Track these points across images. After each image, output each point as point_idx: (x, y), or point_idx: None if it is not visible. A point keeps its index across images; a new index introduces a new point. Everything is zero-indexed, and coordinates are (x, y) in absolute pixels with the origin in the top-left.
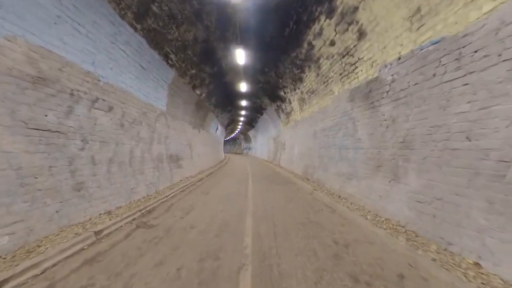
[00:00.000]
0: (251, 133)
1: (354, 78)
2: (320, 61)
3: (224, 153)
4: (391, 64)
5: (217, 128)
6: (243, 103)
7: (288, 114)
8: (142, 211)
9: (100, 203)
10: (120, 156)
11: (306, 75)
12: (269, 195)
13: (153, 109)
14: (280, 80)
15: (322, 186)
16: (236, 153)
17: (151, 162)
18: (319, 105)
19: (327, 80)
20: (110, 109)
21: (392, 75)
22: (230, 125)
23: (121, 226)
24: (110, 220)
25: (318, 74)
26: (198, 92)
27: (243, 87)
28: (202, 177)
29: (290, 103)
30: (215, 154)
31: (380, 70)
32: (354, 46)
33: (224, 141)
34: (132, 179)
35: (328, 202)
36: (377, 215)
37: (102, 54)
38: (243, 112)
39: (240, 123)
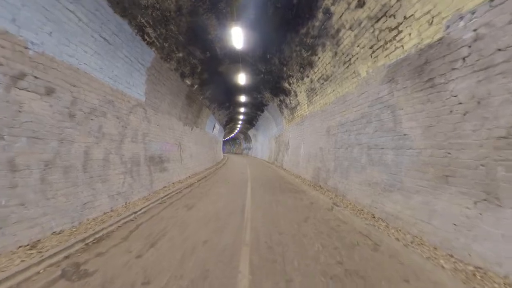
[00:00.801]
0: (251, 132)
1: (396, 49)
2: (340, 34)
3: (224, 153)
4: (473, 13)
5: (214, 127)
6: (242, 98)
7: (292, 110)
8: (89, 240)
9: (21, 230)
10: (66, 158)
11: (319, 58)
12: (274, 212)
13: (125, 97)
14: (285, 68)
15: (342, 198)
16: (236, 153)
17: (120, 165)
18: (335, 94)
19: (349, 60)
20: (50, 92)
21: (475, 29)
22: (229, 124)
23: (38, 272)
24: (23, 260)
25: (335, 53)
26: (188, 82)
27: (241, 78)
28: (193, 182)
29: (296, 96)
30: (212, 155)
31: (448, 27)
32: (398, 0)
33: (224, 141)
34: (87, 190)
35: (362, 228)
36: (452, 256)
37: (32, 9)
38: (242, 110)
39: (240, 122)
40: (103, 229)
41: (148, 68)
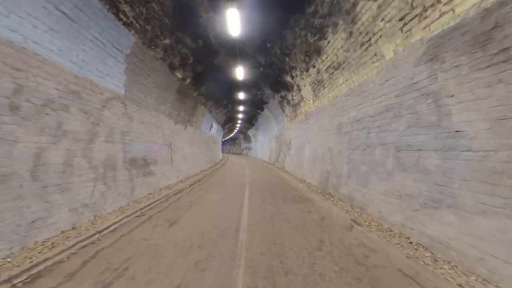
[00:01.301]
0: (250, 132)
1: (441, 15)
2: (357, 8)
3: (224, 153)
4: None
5: (211, 126)
6: (241, 95)
7: (295, 106)
8: (18, 279)
9: None
10: (4, 163)
11: (328, 42)
12: (277, 233)
13: (96, 88)
14: (287, 59)
15: (360, 211)
16: (235, 154)
17: (89, 170)
18: (349, 85)
19: (369, 40)
20: None
21: None
22: (227, 123)
23: None
24: None
25: (350, 34)
26: (179, 75)
27: (239, 73)
28: (184, 187)
29: (299, 90)
30: (210, 156)
31: None
32: None
33: (223, 141)
34: (37, 203)
35: (401, 262)
36: None
37: None
38: (241, 108)
39: (239, 121)
40: (47, 258)
41: (127, 55)
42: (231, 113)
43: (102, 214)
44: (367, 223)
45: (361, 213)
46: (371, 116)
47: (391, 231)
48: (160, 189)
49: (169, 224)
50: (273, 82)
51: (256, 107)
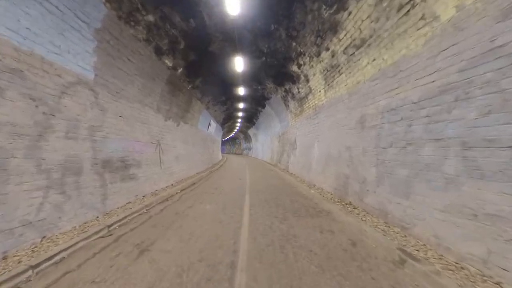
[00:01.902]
0: (251, 131)
1: None
2: None
3: (224, 153)
4: None
5: (209, 124)
6: (241, 91)
7: (301, 101)
8: None
9: None
10: None
11: (350, 13)
12: (292, 270)
13: (51, 68)
14: (294, 44)
15: (401, 231)
16: (235, 154)
17: (37, 176)
18: (377, 65)
19: None
20: None
21: None
22: (227, 122)
23: None
24: None
25: None
26: (168, 62)
27: (238, 63)
28: (173, 192)
29: (307, 81)
30: (208, 156)
31: None
32: None
33: (223, 141)
34: None
35: None
36: None
37: None
38: (241, 105)
39: (239, 120)
40: None
41: (97, 30)
42: (231, 110)
43: (55, 234)
44: (422, 253)
45: (405, 236)
46: (414, 103)
47: (463, 269)
48: (144, 196)
49: (138, 252)
50: (277, 74)
51: (256, 103)
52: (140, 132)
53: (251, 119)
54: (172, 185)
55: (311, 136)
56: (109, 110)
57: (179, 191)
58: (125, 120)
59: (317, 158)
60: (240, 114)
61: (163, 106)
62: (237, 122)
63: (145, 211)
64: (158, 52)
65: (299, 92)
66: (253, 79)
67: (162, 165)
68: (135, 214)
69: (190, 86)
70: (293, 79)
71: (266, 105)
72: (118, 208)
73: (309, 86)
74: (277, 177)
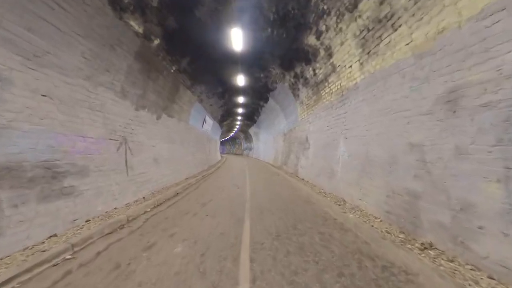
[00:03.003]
0: (252, 130)
1: None
2: None
3: (224, 153)
4: None
5: (204, 121)
6: (240, 80)
7: (317, 86)
8: None
9: None
10: None
11: None
12: None
13: None
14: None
15: None
16: (236, 154)
17: None
18: None
19: None
20: None
21: None
22: (225, 119)
23: None
24: None
25: None
26: (136, 26)
27: (236, 39)
28: (138, 213)
29: (329, 56)
30: (203, 157)
31: None
32: None
33: (223, 141)
34: None
35: None
36: None
37: None
38: (241, 99)
39: (239, 118)
40: None
41: None
42: (229, 106)
43: None
44: None
45: None
46: None
47: None
48: (89, 221)
49: None
50: (285, 54)
51: (258, 97)
52: (89, 123)
53: (251, 116)
54: (144, 198)
55: (332, 132)
56: (15, 82)
57: (149, 209)
58: (57, 103)
59: (345, 162)
60: (239, 110)
61: (133, 90)
62: (236, 120)
63: (69, 257)
64: (116, 5)
65: (315, 74)
66: (254, 63)
67: (130, 171)
68: (45, 266)
69: (174, 68)
70: (308, 57)
71: (270, 99)
72: (23, 250)
73: (331, 64)
74: (286, 186)
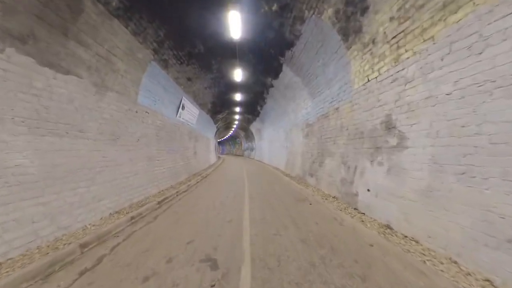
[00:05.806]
0: (254, 126)
1: None
2: None
3: (223, 154)
4: None
5: (180, 105)
6: (234, 27)
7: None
8: None
9: None
10: None
11: None
12: None
13: None
14: None
15: None
16: (236, 155)
17: None
18: None
19: None
20: None
21: None
22: (219, 111)
23: None
24: None
25: None
26: None
27: None
28: None
29: None
30: (179, 164)
31: None
32: None
33: (223, 141)
34: None
35: None
36: None
37: None
38: (238, 76)
39: (237, 109)
40: None
41: None
42: (221, 87)
43: None
44: None
45: None
46: None
47: None
48: None
49: None
50: None
51: (264, 72)
52: None
53: (253, 109)
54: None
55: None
56: None
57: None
58: None
59: None
60: (237, 99)
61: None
62: (234, 113)
63: None
64: None
65: None
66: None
67: None
68: None
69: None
70: None
71: (283, 67)
72: None
73: None
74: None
